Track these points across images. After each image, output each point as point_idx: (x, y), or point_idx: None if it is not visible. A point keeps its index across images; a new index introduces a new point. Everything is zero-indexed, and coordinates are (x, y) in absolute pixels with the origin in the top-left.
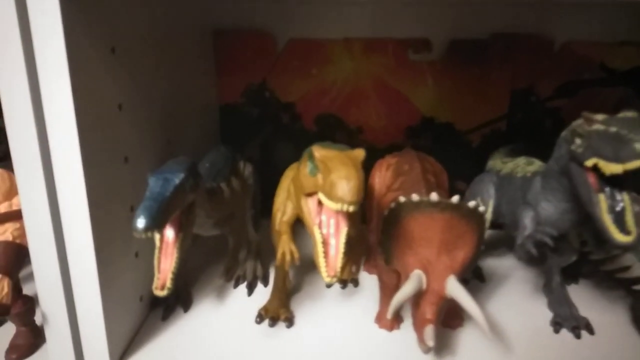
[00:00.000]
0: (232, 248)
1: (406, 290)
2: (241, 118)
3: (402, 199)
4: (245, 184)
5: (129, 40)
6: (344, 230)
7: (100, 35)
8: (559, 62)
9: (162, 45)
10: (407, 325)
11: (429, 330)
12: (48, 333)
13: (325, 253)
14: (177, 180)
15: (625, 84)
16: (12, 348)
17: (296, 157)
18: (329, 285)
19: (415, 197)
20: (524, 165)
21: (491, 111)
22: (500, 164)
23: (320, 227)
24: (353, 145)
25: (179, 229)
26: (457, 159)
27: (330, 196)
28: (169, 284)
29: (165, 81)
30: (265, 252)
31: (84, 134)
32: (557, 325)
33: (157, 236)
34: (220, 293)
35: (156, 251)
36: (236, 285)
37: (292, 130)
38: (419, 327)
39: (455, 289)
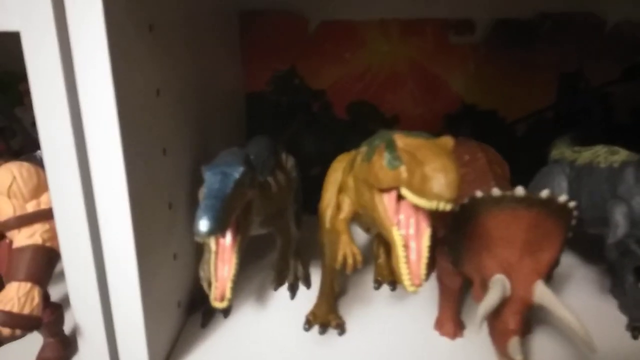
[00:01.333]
0: (281, 248)
1: (492, 298)
2: (268, 107)
3: (478, 193)
4: (289, 178)
5: (165, 18)
6: (426, 231)
7: (139, 10)
8: (611, 44)
9: (192, 27)
10: (470, 332)
11: (515, 343)
12: (82, 344)
13: (407, 258)
14: (236, 175)
15: None
16: None
17: (327, 148)
18: (377, 287)
19: (496, 191)
20: (607, 155)
21: (537, 98)
22: (570, 153)
23: (399, 228)
24: None
25: (237, 231)
26: (501, 149)
27: (423, 192)
28: (228, 293)
29: (197, 66)
30: (305, 251)
31: (124, 122)
32: (635, 331)
33: (212, 240)
34: (260, 296)
35: (212, 257)
36: (276, 288)
37: (322, 120)
38: (500, 339)
39: (545, 296)
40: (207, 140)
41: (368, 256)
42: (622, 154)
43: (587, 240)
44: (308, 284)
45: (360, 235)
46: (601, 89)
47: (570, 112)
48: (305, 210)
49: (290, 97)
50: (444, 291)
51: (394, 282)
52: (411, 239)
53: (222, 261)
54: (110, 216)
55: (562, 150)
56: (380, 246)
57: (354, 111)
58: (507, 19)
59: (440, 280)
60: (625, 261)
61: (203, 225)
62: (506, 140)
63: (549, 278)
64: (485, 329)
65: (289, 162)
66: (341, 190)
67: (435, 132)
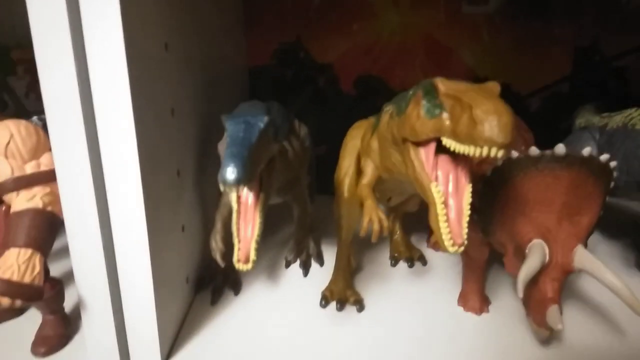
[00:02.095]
0: (299, 217)
1: (531, 265)
2: (273, 81)
3: (514, 154)
4: (303, 146)
5: None
6: (467, 187)
7: None
8: (628, 17)
9: None
10: (496, 306)
11: (554, 312)
12: (86, 320)
13: (447, 216)
14: (261, 124)
15: None
16: (39, 340)
17: (333, 125)
18: (394, 264)
19: (534, 150)
20: None
21: (551, 71)
22: (599, 119)
23: (437, 184)
24: None
25: (260, 189)
26: None
27: (472, 138)
28: (253, 255)
29: (200, 33)
30: (317, 227)
31: (134, 76)
32: None
33: (233, 198)
34: (272, 273)
35: (234, 216)
36: (288, 265)
37: (328, 94)
38: (537, 308)
39: (587, 261)
40: (214, 110)
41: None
42: None
43: (610, 214)
44: (321, 261)
45: None
46: (614, 61)
47: (585, 86)
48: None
49: (295, 71)
50: (468, 264)
51: (411, 258)
52: (450, 197)
53: (245, 221)
54: (118, 179)
55: (587, 118)
56: (396, 221)
57: (362, 86)
58: None
59: (465, 252)
60: None
61: (230, 172)
62: (520, 115)
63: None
64: (509, 303)
65: (302, 130)
66: (362, 155)
67: None
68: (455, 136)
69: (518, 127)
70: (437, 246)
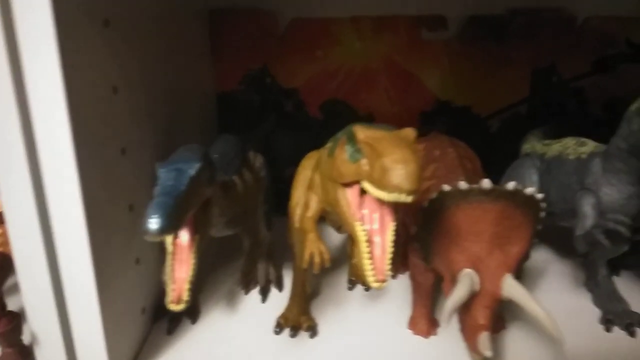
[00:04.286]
0: (248, 250)
1: (459, 294)
2: (241, 107)
3: (446, 187)
4: (257, 177)
5: (122, 13)
6: (390, 225)
7: (92, 4)
8: (582, 39)
9: (156, 24)
10: (444, 330)
11: (484, 338)
12: (39, 354)
13: (371, 254)
14: (192, 172)
15: None
16: None
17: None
18: (350, 288)
19: (463, 184)
20: (576, 146)
21: (511, 93)
22: (541, 146)
23: (363, 223)
24: None
25: (195, 230)
26: (475, 145)
27: (383, 184)
28: (185, 296)
29: (160, 65)
30: (276, 253)
31: (77, 120)
32: (608, 323)
33: (168, 240)
34: (230, 300)
35: (168, 258)
36: (247, 291)
37: (295, 119)
38: (470, 334)
39: (513, 289)
40: (174, 140)
41: (341, 256)
42: (590, 145)
43: (561, 235)
44: (280, 287)
45: (334, 235)
46: (570, 83)
47: (543, 106)
48: (279, 211)
49: (263, 97)
50: (416, 289)
51: None
52: (375, 234)
53: (180, 262)
54: (64, 219)
55: (533, 144)
56: (354, 245)
57: (328, 110)
58: (479, 15)
59: (412, 278)
60: (597, 254)
61: (153, 223)
62: (481, 136)
63: (519, 272)
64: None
65: (258, 161)
66: (309, 188)
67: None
68: (371, 181)
69: (461, 156)
70: (398, 270)
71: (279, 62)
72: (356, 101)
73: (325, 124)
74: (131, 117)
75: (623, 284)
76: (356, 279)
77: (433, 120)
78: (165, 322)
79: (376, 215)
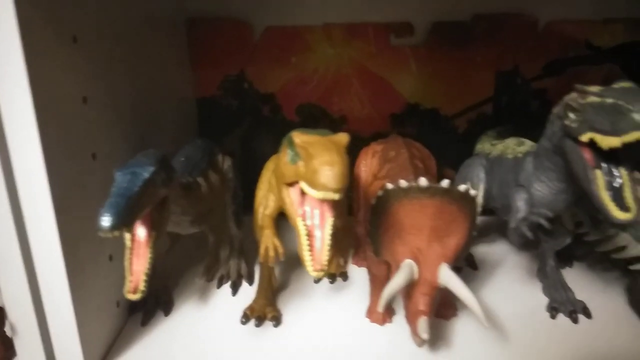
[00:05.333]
0: (213, 246)
1: (396, 281)
2: (220, 111)
3: (389, 185)
4: (224, 179)
5: (91, 29)
6: (329, 220)
7: (59, 22)
8: (544, 42)
9: (130, 35)
10: (399, 318)
11: (423, 323)
12: (18, 345)
13: (311, 246)
14: (146, 174)
15: (612, 61)
16: None
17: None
18: (316, 281)
19: (403, 183)
20: (515, 146)
21: (477, 95)
22: (489, 146)
23: (304, 218)
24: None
25: (152, 228)
26: (444, 145)
27: (313, 184)
28: (141, 286)
29: (136, 74)
30: (249, 250)
31: (45, 129)
32: (553, 311)
33: (127, 236)
34: (203, 294)
35: (127, 252)
36: (219, 286)
37: (273, 122)
38: (411, 319)
39: (448, 278)
40: (154, 144)
41: None
42: (527, 145)
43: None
44: (251, 281)
45: None
46: (534, 83)
47: (507, 108)
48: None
49: (241, 101)
50: (372, 280)
51: (333, 274)
52: (316, 229)
53: (137, 256)
54: (36, 221)
55: (483, 144)
56: None
57: (304, 113)
58: (444, 21)
59: (369, 271)
60: (546, 246)
61: (105, 220)
62: (449, 136)
63: (460, 261)
64: None
65: (226, 163)
66: (269, 188)
67: (382, 131)
68: (306, 181)
69: (413, 156)
70: (361, 263)
71: (255, 68)
72: (330, 105)
73: (302, 126)
74: (101, 124)
75: (574, 275)
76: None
77: (403, 122)
78: (140, 315)
79: (317, 212)
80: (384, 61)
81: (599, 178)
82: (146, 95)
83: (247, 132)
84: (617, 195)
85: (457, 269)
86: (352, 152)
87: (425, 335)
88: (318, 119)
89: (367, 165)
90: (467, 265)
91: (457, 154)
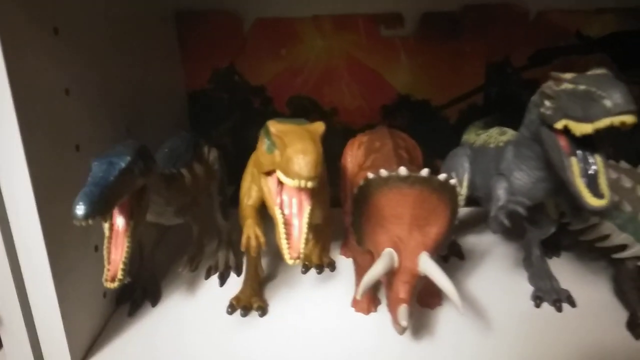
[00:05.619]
0: (197, 236)
1: (376, 269)
2: (211, 104)
3: (370, 175)
4: (210, 170)
5: (73, 21)
6: (307, 209)
7: (39, 13)
8: (534, 32)
9: (116, 28)
10: (385, 307)
11: (403, 310)
12: (4, 336)
13: (288, 234)
14: (122, 164)
15: (601, 50)
16: None
17: None
18: (304, 271)
19: (383, 172)
20: (497, 136)
21: (467, 85)
22: (474, 136)
23: (281, 207)
24: (328, 126)
25: (130, 217)
26: (435, 136)
27: (287, 172)
28: (120, 275)
29: (123, 66)
30: (237, 241)
31: (26, 120)
32: (538, 300)
33: (106, 225)
34: (191, 285)
35: (105, 241)
36: (207, 277)
37: (264, 115)
38: (392, 307)
39: (428, 266)
40: (144, 137)
41: None
42: (508, 134)
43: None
44: (239, 272)
45: None
46: (524, 73)
47: (498, 98)
48: None
49: (231, 94)
50: (357, 270)
51: (320, 265)
52: (294, 217)
53: (115, 245)
54: (19, 212)
55: (469, 135)
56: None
57: (294, 105)
58: (433, 11)
59: (354, 260)
60: (531, 235)
61: (79, 209)
62: (440, 127)
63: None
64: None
65: (212, 155)
66: (252, 179)
67: (373, 123)
68: (281, 169)
69: (397, 147)
70: (348, 253)
71: (245, 60)
72: (320, 96)
73: (293, 118)
74: (84, 116)
75: (561, 264)
76: (309, 263)
77: (394, 114)
78: (128, 305)
79: (295, 200)
80: (374, 52)
81: (574, 165)
82: (134, 88)
83: (238, 124)
84: (592, 183)
85: (444, 258)
86: (344, 144)
87: (404, 322)
88: (309, 111)
89: (353, 156)
90: (454, 255)
91: (448, 145)
